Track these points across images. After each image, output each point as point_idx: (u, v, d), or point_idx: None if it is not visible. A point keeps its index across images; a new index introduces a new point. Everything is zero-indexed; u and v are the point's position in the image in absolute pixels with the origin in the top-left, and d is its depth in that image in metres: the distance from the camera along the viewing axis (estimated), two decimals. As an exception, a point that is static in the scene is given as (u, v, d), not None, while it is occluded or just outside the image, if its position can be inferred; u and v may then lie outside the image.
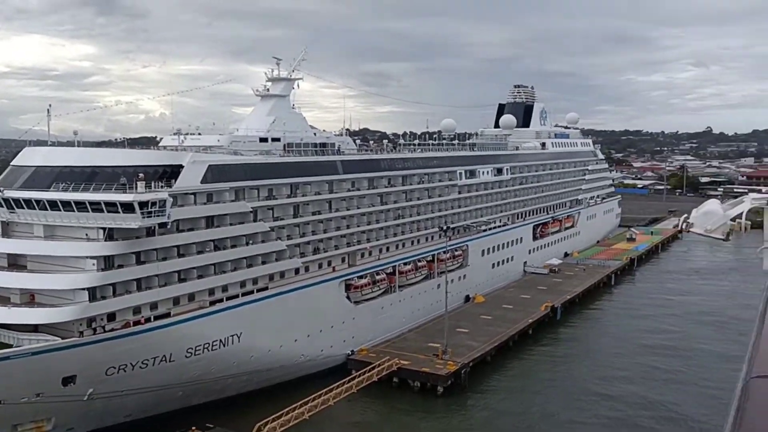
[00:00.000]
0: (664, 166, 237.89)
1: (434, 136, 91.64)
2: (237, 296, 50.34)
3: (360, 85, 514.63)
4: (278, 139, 58.90)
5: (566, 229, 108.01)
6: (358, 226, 63.15)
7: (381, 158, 68.34)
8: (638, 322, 74.61)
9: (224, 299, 49.45)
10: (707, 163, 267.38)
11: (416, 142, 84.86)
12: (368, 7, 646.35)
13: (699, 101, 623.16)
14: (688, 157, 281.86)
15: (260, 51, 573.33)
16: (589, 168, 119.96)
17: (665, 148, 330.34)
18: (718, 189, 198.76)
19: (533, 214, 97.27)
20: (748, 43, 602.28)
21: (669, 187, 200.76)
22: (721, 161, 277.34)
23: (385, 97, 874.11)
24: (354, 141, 71.73)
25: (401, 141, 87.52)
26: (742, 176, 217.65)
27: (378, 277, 64.28)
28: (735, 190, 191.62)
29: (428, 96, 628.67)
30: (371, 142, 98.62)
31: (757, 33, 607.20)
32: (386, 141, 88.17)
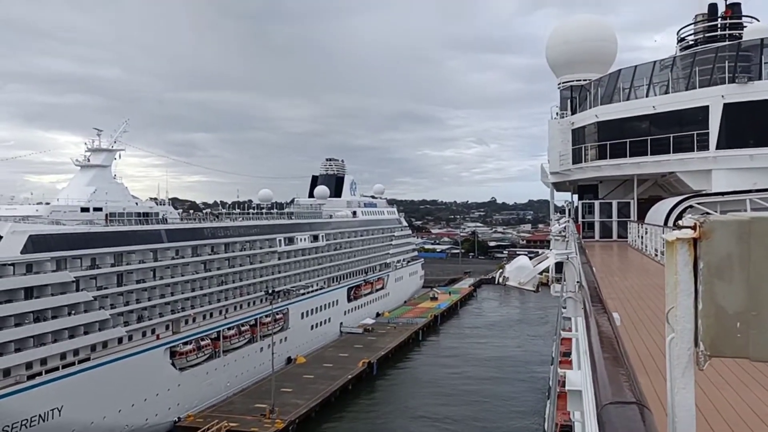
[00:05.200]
0: (458, 232, 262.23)
1: (253, 206, 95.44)
2: (57, 368, 48.92)
3: (167, 154, 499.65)
4: (100, 209, 59.01)
5: (377, 290, 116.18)
6: (183, 293, 64.24)
7: (204, 227, 70.48)
8: (446, 369, 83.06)
9: (43, 372, 47.85)
10: (493, 229, 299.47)
11: (237, 211, 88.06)
12: (171, 77, 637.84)
13: (483, 174, 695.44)
14: (478, 224, 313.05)
15: (55, 117, 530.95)
16: (395, 234, 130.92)
17: (458, 216, 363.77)
18: (504, 252, 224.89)
19: (347, 278, 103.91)
20: (518, 125, 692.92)
21: (463, 250, 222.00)
22: (504, 227, 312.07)
23: (195, 166, 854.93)
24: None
25: (222, 210, 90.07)
26: (523, 240, 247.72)
27: (203, 343, 65.30)
28: (517, 252, 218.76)
29: (236, 166, 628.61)
30: (192, 211, 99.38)
31: (523, 117, 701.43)
32: (208, 210, 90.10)
